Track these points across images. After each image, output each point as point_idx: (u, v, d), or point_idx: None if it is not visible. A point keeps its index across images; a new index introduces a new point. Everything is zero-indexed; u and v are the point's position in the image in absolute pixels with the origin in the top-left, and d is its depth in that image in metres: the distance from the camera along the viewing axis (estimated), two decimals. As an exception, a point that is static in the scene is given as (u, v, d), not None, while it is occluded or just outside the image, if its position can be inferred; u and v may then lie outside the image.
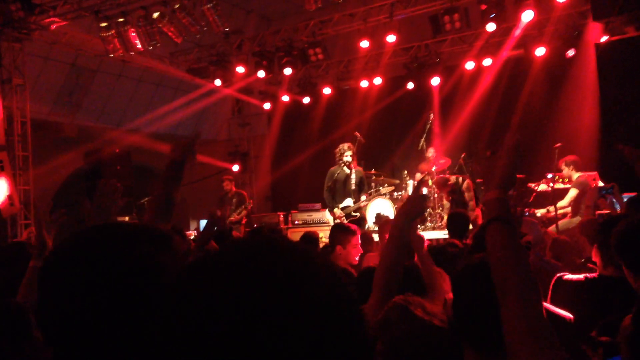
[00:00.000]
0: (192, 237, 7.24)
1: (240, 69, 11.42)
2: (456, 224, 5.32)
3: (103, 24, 9.21)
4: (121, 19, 9.13)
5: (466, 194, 8.49)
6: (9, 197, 8.83)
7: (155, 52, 10.35)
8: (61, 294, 0.97)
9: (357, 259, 4.75)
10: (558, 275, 3.52)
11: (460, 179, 8.73)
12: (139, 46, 9.28)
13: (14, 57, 9.65)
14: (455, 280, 2.26)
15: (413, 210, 2.46)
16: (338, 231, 4.91)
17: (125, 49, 9.33)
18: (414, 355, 1.91)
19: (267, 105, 13.45)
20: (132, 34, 9.17)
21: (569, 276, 3.42)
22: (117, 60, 10.67)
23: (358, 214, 8.73)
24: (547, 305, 3.18)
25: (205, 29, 8.85)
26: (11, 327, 1.79)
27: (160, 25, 8.88)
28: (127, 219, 9.52)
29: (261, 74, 11.15)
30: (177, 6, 8.70)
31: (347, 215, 8.67)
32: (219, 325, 0.67)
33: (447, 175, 8.87)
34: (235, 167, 13.25)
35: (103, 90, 12.23)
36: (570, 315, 3.08)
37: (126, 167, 10.85)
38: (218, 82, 11.64)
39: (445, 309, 2.01)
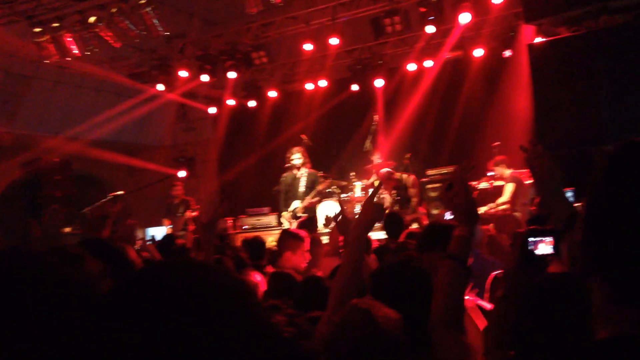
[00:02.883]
0: (137, 248, 7.06)
1: (184, 73, 11.25)
2: (393, 224, 5.46)
3: (37, 29, 8.91)
4: (56, 24, 8.85)
5: (411, 190, 8.56)
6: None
7: (94, 57, 10.06)
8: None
9: (305, 264, 4.75)
10: (494, 274, 3.62)
11: (406, 175, 8.76)
12: (76, 51, 9.02)
13: (-58, 65, 9.24)
14: (377, 274, 2.34)
15: (370, 221, 2.51)
16: (287, 237, 4.87)
17: (61, 55, 9.04)
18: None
19: (212, 110, 13.31)
20: (68, 39, 8.91)
21: (503, 274, 3.53)
22: (54, 66, 10.33)
23: (307, 214, 8.68)
24: (481, 302, 3.28)
25: (144, 33, 8.68)
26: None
27: (97, 30, 8.65)
28: (70, 229, 9.21)
29: (205, 78, 11.02)
30: (114, 10, 8.50)
31: (295, 217, 8.64)
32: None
33: (393, 170, 8.87)
34: (182, 173, 13.02)
35: (40, 97, 11.78)
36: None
37: (67, 176, 10.52)
38: (161, 87, 11.42)
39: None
